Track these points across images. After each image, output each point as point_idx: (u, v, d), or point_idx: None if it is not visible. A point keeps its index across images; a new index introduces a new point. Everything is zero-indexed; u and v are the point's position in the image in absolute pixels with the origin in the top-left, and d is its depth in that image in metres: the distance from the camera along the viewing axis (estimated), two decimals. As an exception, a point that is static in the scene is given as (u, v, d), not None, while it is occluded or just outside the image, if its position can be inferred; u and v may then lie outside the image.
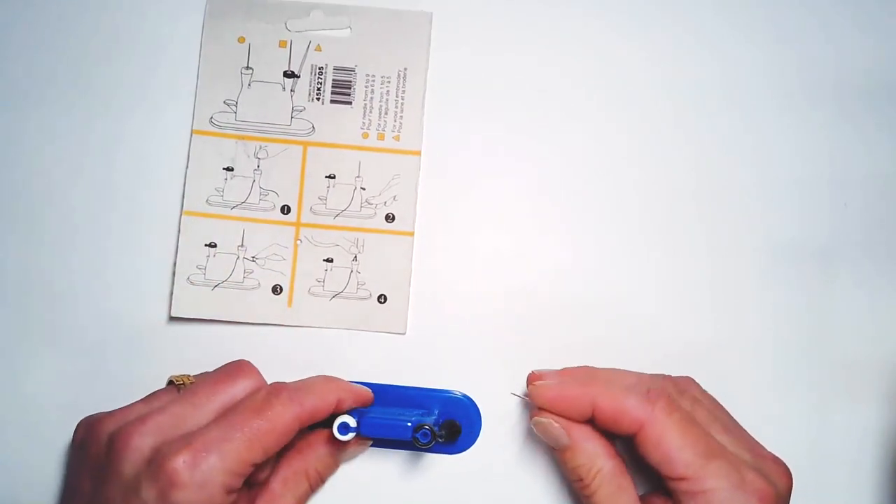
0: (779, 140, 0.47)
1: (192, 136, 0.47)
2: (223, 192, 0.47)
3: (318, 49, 0.47)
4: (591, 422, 0.41)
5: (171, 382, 0.44)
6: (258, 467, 0.42)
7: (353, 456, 0.45)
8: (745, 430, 0.42)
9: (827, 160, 0.47)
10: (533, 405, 0.43)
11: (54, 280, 0.47)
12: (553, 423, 0.42)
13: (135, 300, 0.46)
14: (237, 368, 0.44)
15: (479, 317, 0.46)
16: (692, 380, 0.43)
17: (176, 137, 0.47)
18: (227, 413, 0.41)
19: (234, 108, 0.47)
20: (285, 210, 0.47)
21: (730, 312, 0.47)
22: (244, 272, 0.46)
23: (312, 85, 0.47)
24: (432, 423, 0.42)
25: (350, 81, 0.47)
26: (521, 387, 0.45)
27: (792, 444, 0.46)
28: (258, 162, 0.47)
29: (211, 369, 0.45)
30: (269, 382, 0.44)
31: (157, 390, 0.44)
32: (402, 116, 0.47)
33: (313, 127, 0.47)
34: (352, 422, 0.41)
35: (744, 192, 0.47)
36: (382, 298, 0.46)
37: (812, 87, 0.48)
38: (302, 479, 0.43)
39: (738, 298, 0.47)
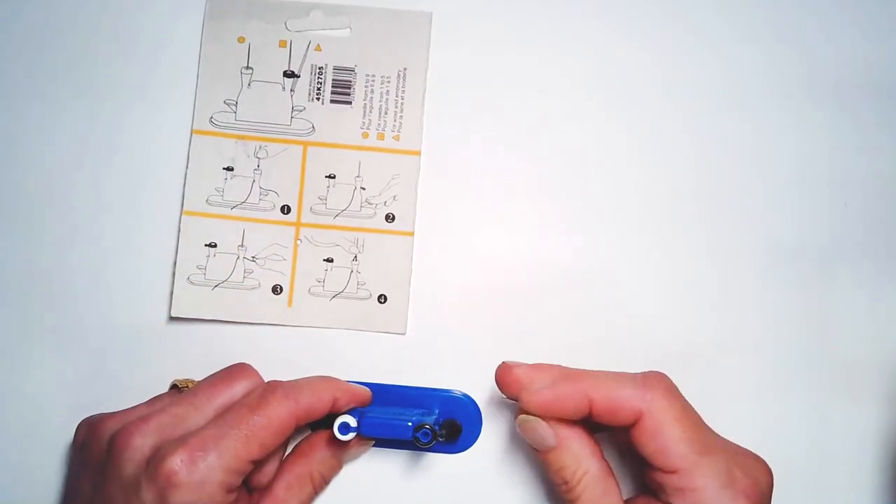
0: (779, 140, 0.47)
1: (192, 135, 0.47)
2: (223, 191, 0.47)
3: (318, 49, 0.47)
4: (587, 419, 0.40)
5: (174, 386, 0.44)
6: (258, 467, 0.42)
7: (355, 457, 0.45)
8: None
9: (827, 160, 0.47)
10: (502, 380, 0.42)
11: (54, 280, 0.47)
12: (541, 423, 0.40)
13: (135, 300, 0.46)
14: (237, 370, 0.44)
15: (479, 317, 0.46)
16: (665, 375, 0.41)
17: (176, 137, 0.47)
18: (224, 412, 0.41)
19: (234, 107, 0.47)
20: (285, 210, 0.47)
21: (730, 312, 0.46)
22: (244, 272, 0.46)
23: (312, 85, 0.47)
24: (433, 422, 0.42)
25: (350, 81, 0.47)
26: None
27: (792, 444, 0.46)
28: (258, 162, 0.47)
29: (211, 369, 0.44)
30: (267, 382, 0.44)
31: (160, 394, 0.44)
32: (401, 116, 0.47)
33: (313, 127, 0.47)
34: (352, 422, 0.41)
35: (744, 193, 0.47)
36: (382, 298, 0.46)
37: (812, 86, 0.48)
38: (306, 483, 0.43)
39: (738, 298, 0.47)
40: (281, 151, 0.47)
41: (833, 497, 0.46)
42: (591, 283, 0.47)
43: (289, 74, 0.47)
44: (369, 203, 0.47)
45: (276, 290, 0.46)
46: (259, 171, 0.47)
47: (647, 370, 0.41)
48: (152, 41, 0.48)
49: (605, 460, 0.41)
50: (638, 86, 0.48)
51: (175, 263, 0.46)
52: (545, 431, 0.40)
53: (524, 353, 0.45)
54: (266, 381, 0.44)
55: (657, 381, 0.40)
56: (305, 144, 0.47)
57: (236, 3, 0.48)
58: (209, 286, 0.46)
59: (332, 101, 0.47)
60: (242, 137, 0.47)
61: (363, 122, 0.47)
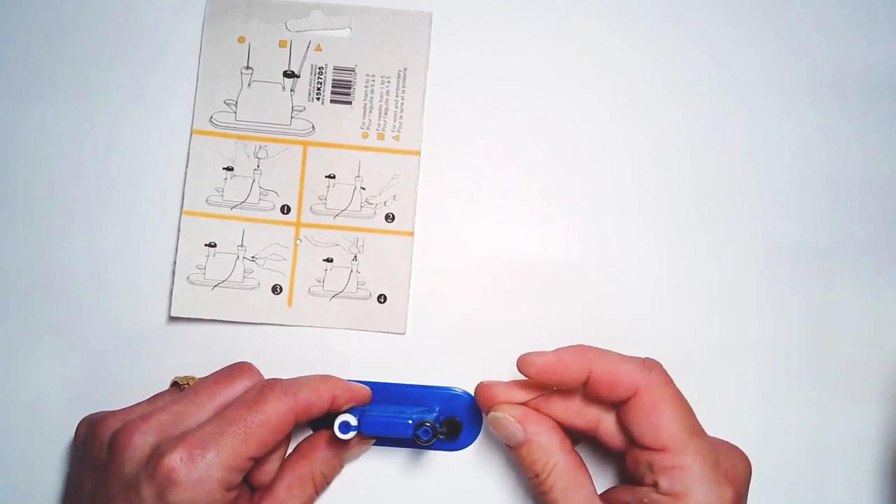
0: (779, 140, 0.47)
1: (192, 135, 0.47)
2: (223, 191, 0.47)
3: (318, 49, 0.47)
4: (583, 387, 0.41)
5: (175, 383, 0.44)
6: (259, 465, 0.42)
7: (357, 456, 0.45)
8: None
9: (827, 160, 0.47)
10: (486, 405, 0.42)
11: (54, 280, 0.46)
12: (508, 418, 0.41)
13: (135, 300, 0.46)
14: (238, 369, 0.44)
15: (478, 317, 0.46)
16: (662, 365, 0.42)
17: (176, 137, 0.47)
18: (223, 410, 0.41)
19: (234, 107, 0.47)
20: (285, 210, 0.47)
21: (730, 312, 0.47)
22: (244, 272, 0.46)
23: (312, 85, 0.47)
24: (433, 420, 0.42)
25: (350, 81, 0.47)
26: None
27: (792, 444, 0.46)
28: (258, 162, 0.47)
29: (211, 369, 0.45)
30: (267, 381, 0.44)
31: (161, 392, 0.44)
32: (401, 116, 0.47)
33: (313, 127, 0.47)
34: (352, 420, 0.41)
35: (744, 192, 0.47)
36: (382, 298, 0.46)
37: (812, 86, 0.48)
38: (307, 483, 0.43)
39: (738, 299, 0.47)
40: (281, 151, 0.47)
41: (833, 497, 0.46)
42: (591, 282, 0.47)
43: (289, 74, 0.47)
44: (369, 203, 0.47)
45: (276, 289, 0.46)
46: (259, 171, 0.47)
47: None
48: (152, 41, 0.48)
49: (576, 453, 0.41)
50: (637, 86, 0.48)
51: (175, 263, 0.46)
52: (513, 427, 0.41)
53: (524, 352, 0.45)
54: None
55: (655, 364, 0.41)
56: (305, 144, 0.47)
57: (236, 3, 0.48)
58: (209, 286, 0.46)
59: (332, 101, 0.47)
60: (242, 137, 0.47)
61: (363, 122, 0.47)
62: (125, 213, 0.47)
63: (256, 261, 0.46)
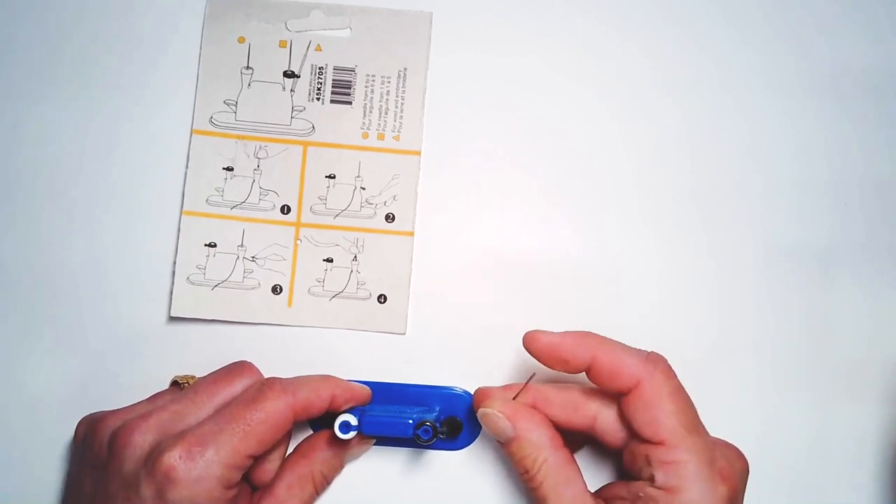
0: (778, 140, 0.47)
1: (192, 135, 0.47)
2: (223, 191, 0.47)
3: (318, 49, 0.47)
4: (587, 371, 0.41)
5: (175, 382, 0.44)
6: (259, 464, 0.42)
7: (357, 456, 0.45)
8: None
9: (826, 160, 0.47)
10: (477, 403, 0.43)
11: (54, 280, 0.46)
12: (497, 414, 0.41)
13: (135, 300, 0.46)
14: (238, 368, 0.44)
15: (479, 317, 0.46)
16: (666, 360, 0.42)
17: (176, 137, 0.47)
18: (222, 408, 0.41)
19: (234, 108, 0.47)
20: (285, 210, 0.47)
21: (730, 312, 0.47)
22: (244, 272, 0.46)
23: (312, 85, 0.47)
24: (433, 419, 0.42)
25: (350, 81, 0.47)
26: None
27: (792, 444, 0.46)
28: (258, 162, 0.47)
29: (211, 369, 0.45)
30: (267, 381, 0.44)
31: (161, 391, 0.44)
32: (402, 116, 0.47)
33: (313, 127, 0.47)
34: (353, 420, 0.41)
35: (744, 192, 0.47)
36: (382, 298, 0.46)
37: (812, 86, 0.48)
38: (307, 483, 0.43)
39: (738, 299, 0.47)
40: (281, 151, 0.47)
41: (833, 497, 0.46)
42: (591, 282, 0.47)
43: (289, 74, 0.47)
44: (369, 203, 0.47)
45: (276, 289, 0.46)
46: (259, 171, 0.47)
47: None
48: (152, 41, 0.48)
49: (567, 450, 0.41)
50: (637, 86, 0.48)
51: (175, 263, 0.46)
52: (503, 423, 0.41)
53: (524, 353, 0.45)
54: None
55: (660, 359, 0.41)
56: (305, 144, 0.47)
57: (236, 3, 0.48)
58: (209, 286, 0.46)
59: (332, 101, 0.47)
60: (242, 137, 0.47)
61: (363, 122, 0.47)
62: (125, 213, 0.47)
63: (256, 261, 0.46)
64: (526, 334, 0.41)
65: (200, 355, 0.46)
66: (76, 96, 0.47)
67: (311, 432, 0.45)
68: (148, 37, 0.48)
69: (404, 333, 0.46)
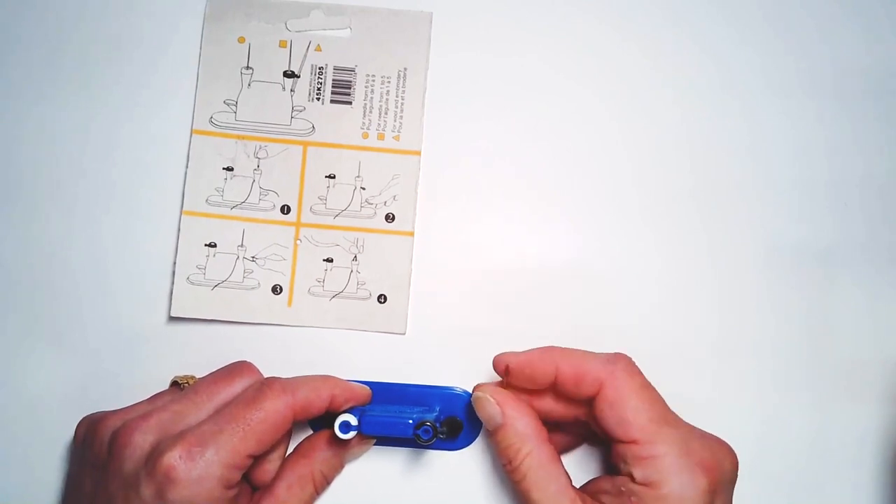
0: (779, 140, 0.47)
1: (192, 135, 0.47)
2: (223, 191, 0.47)
3: (318, 49, 0.47)
4: (553, 388, 0.42)
5: (175, 383, 0.44)
6: (259, 464, 0.42)
7: (357, 456, 0.45)
8: None
9: (826, 160, 0.47)
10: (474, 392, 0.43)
11: (54, 280, 0.46)
12: (489, 399, 0.42)
13: (135, 300, 0.46)
14: (238, 368, 0.44)
15: (479, 316, 0.46)
16: (629, 356, 0.42)
17: (176, 137, 0.47)
18: (222, 408, 0.41)
19: (234, 108, 0.47)
20: (285, 210, 0.47)
21: (730, 312, 0.47)
22: (244, 272, 0.46)
23: (312, 85, 0.47)
24: (434, 419, 0.42)
25: (350, 81, 0.47)
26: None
27: (792, 444, 0.46)
28: (258, 162, 0.47)
29: (211, 369, 0.45)
30: (267, 381, 0.44)
31: (161, 391, 0.44)
32: (402, 116, 0.47)
33: (313, 127, 0.47)
34: (353, 420, 0.41)
35: (744, 192, 0.47)
36: (382, 298, 0.46)
37: (812, 86, 0.48)
38: (307, 483, 0.43)
39: (738, 299, 0.47)
40: (281, 151, 0.47)
41: (833, 497, 0.46)
42: (590, 283, 0.47)
43: (289, 74, 0.47)
44: (369, 203, 0.47)
45: (276, 289, 0.46)
46: (259, 171, 0.47)
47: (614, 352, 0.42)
48: (152, 41, 0.48)
49: (551, 445, 0.41)
50: (637, 86, 0.48)
51: (175, 263, 0.46)
52: (493, 409, 0.41)
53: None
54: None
55: (620, 358, 0.41)
56: (305, 144, 0.47)
57: (236, 3, 0.48)
58: (209, 286, 0.46)
59: (332, 101, 0.47)
60: (242, 137, 0.47)
61: (363, 122, 0.47)
62: (125, 213, 0.47)
63: (256, 261, 0.46)
64: (494, 359, 0.42)
65: (200, 355, 0.46)
66: (76, 96, 0.47)
67: (311, 432, 0.45)
68: (148, 37, 0.48)
69: (404, 333, 0.46)
